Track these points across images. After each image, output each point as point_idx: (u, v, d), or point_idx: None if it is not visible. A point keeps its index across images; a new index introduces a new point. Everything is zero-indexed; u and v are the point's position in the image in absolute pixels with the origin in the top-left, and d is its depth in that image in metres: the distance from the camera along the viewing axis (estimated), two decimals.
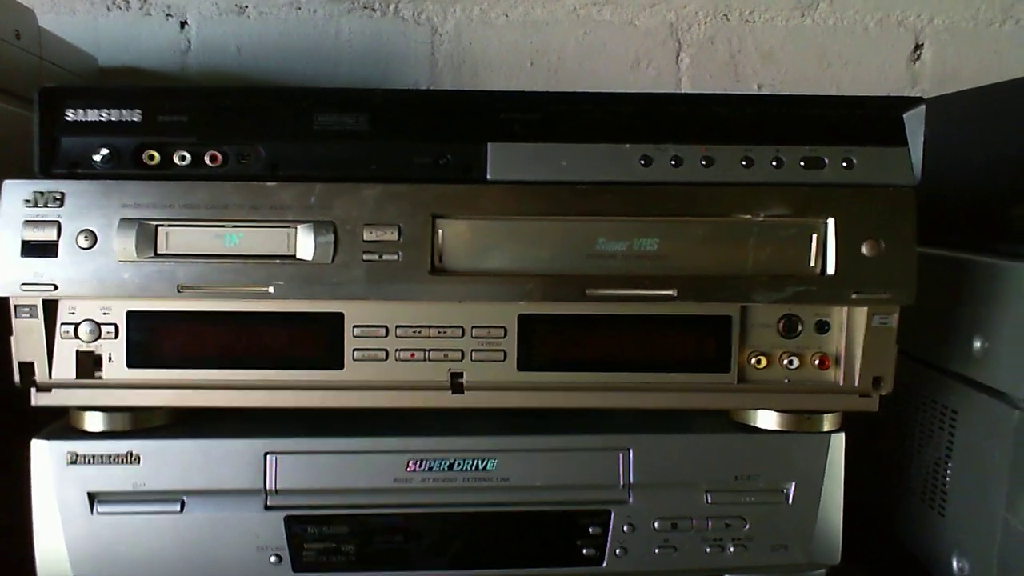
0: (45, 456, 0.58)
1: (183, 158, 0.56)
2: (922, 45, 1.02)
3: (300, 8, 0.99)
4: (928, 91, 1.02)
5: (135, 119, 0.55)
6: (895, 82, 1.02)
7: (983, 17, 1.01)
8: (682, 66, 1.01)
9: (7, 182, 0.55)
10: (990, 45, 1.02)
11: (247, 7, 0.99)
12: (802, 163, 0.56)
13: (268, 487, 0.58)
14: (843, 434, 0.60)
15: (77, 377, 0.57)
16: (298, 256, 0.55)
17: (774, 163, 0.56)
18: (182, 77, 0.99)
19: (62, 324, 0.57)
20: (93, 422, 0.59)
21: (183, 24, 0.99)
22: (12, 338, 0.56)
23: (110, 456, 0.58)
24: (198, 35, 0.99)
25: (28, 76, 0.77)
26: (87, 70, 0.92)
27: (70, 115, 0.55)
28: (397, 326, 0.57)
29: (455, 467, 0.59)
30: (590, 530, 0.60)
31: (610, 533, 0.60)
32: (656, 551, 0.60)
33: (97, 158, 0.55)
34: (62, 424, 0.61)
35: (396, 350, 0.57)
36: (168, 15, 0.99)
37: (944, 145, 0.69)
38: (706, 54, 1.01)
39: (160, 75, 0.99)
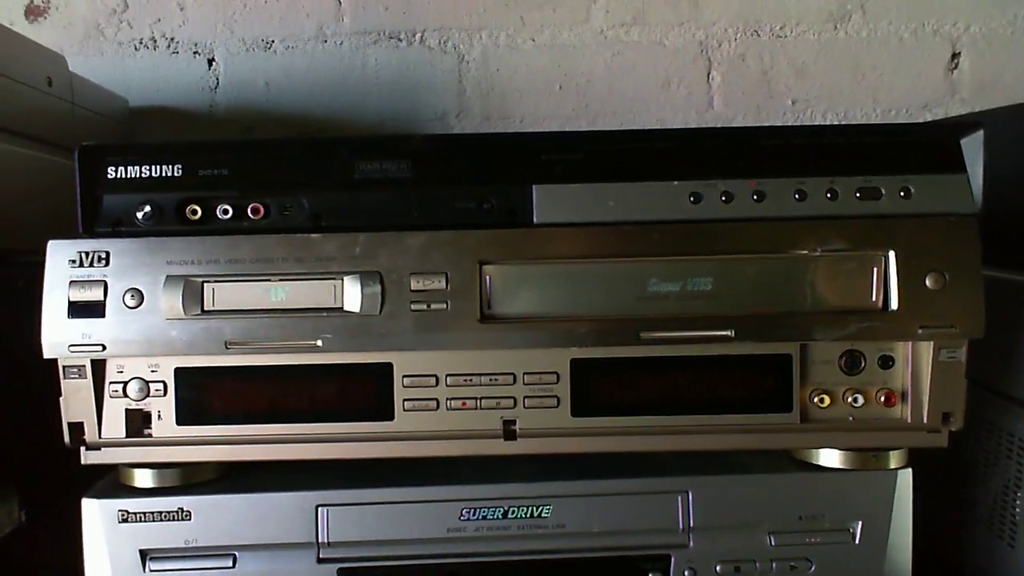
0: (96, 514, 0.57)
1: (225, 212, 0.55)
2: (959, 54, 1.00)
3: (327, 41, 0.99)
4: (967, 100, 0.99)
5: (176, 174, 0.55)
6: (932, 92, 1.00)
7: (1020, 23, 0.99)
8: (713, 84, 1.00)
9: (52, 243, 0.55)
10: None
11: (274, 42, 0.99)
12: (858, 194, 0.55)
13: (320, 540, 0.58)
14: (910, 471, 0.58)
15: (127, 436, 0.57)
16: (345, 308, 0.54)
17: (828, 195, 0.55)
18: (211, 115, 0.99)
19: (111, 383, 0.56)
20: (143, 479, 0.59)
21: (211, 62, 0.99)
22: (61, 399, 0.56)
23: (161, 513, 0.58)
24: (226, 72, 0.99)
25: (61, 123, 0.77)
26: (118, 112, 0.93)
27: (111, 173, 0.55)
28: (448, 375, 0.56)
29: (509, 515, 0.58)
30: (650, 575, 0.58)
31: None
32: None
33: (140, 215, 0.55)
34: (111, 480, 0.60)
35: (447, 399, 0.56)
36: (196, 53, 0.99)
37: (1006, 159, 0.67)
38: (737, 71, 0.99)
39: (190, 114, 0.99)
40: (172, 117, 0.99)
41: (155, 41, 0.99)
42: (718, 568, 0.58)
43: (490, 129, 0.99)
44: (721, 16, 0.99)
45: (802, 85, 0.99)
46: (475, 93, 0.99)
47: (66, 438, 0.56)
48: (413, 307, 0.54)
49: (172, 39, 0.99)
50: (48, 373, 0.56)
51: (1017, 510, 0.63)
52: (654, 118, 0.99)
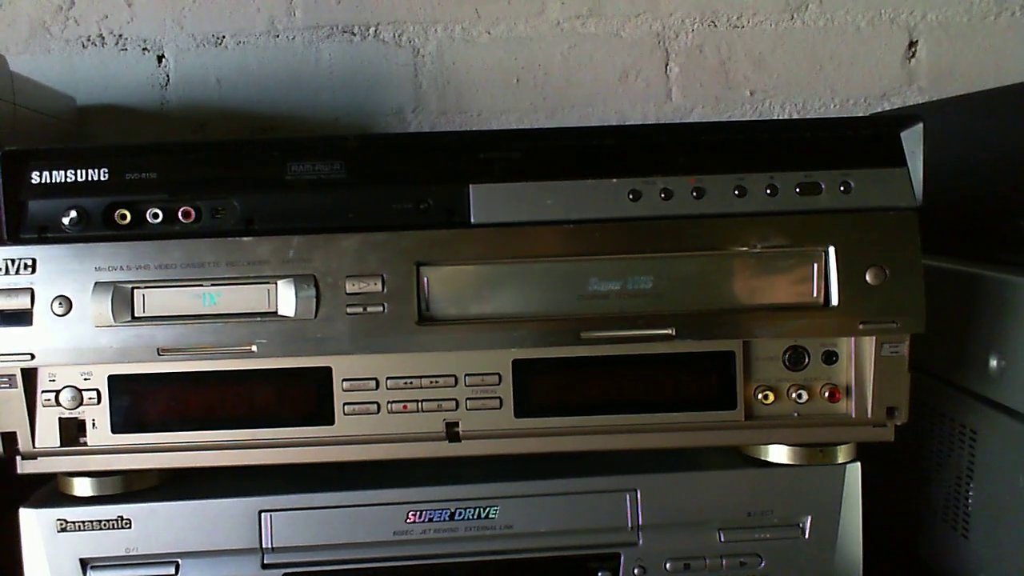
0: (34, 524, 0.56)
1: (155, 216, 0.54)
2: (916, 42, 0.99)
3: (278, 36, 0.97)
4: (925, 89, 0.99)
5: (103, 178, 0.54)
6: (890, 81, 0.99)
7: (977, 10, 0.99)
8: (671, 75, 0.99)
9: None
10: (986, 39, 0.99)
11: (224, 37, 0.97)
12: (797, 189, 0.54)
13: (264, 545, 0.57)
14: (859, 464, 0.58)
15: (61, 444, 0.55)
16: (280, 312, 0.53)
17: (768, 191, 0.54)
18: (162, 112, 0.97)
19: (43, 392, 0.55)
20: (82, 487, 0.58)
21: (160, 58, 0.97)
22: None
23: (101, 521, 0.57)
24: (176, 69, 0.97)
25: (2, 124, 0.75)
26: (65, 111, 0.91)
27: (35, 177, 0.53)
28: (388, 378, 0.55)
29: (456, 516, 0.58)
30: (599, 574, 0.58)
31: None
32: None
33: (67, 220, 0.53)
34: (50, 489, 0.59)
35: (388, 402, 0.55)
36: (144, 49, 0.97)
37: (946, 151, 0.67)
38: (695, 62, 0.99)
39: (140, 111, 0.97)
40: (122, 115, 0.97)
41: (103, 38, 0.97)
42: (668, 566, 0.58)
43: (448, 123, 0.98)
44: (678, 7, 0.98)
45: (760, 76, 0.99)
46: (431, 87, 0.98)
47: None
48: (349, 310, 0.53)
49: (120, 36, 0.97)
50: None
51: (970, 501, 0.63)
52: (612, 110, 0.98)
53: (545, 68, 0.98)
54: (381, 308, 0.53)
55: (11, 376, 0.54)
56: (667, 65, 0.99)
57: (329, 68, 0.97)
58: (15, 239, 0.54)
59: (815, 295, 0.54)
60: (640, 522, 0.58)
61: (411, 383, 0.55)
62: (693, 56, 0.98)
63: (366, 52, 0.98)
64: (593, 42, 0.98)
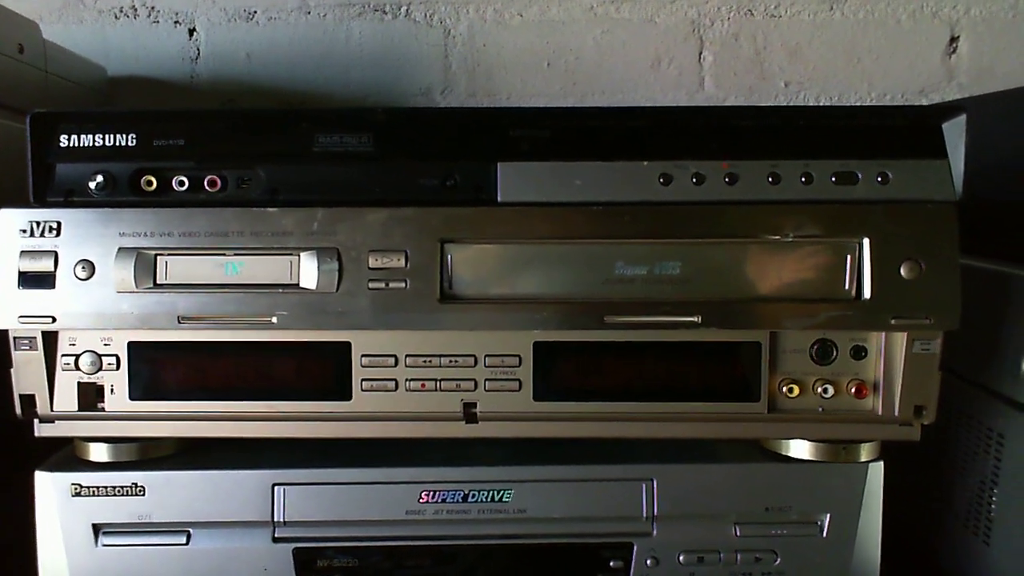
0: (49, 488, 0.57)
1: (181, 183, 0.54)
2: (958, 38, 0.97)
3: (309, 12, 0.96)
4: (965, 85, 0.97)
5: (131, 143, 0.53)
6: (929, 77, 0.97)
7: (1022, 6, 0.96)
8: (705, 64, 0.97)
9: (2, 211, 0.53)
10: None
11: (256, 12, 0.97)
12: (833, 179, 0.53)
13: (276, 519, 0.57)
14: (882, 463, 0.57)
15: (79, 409, 0.55)
16: (301, 285, 0.53)
17: (803, 179, 0.53)
18: (192, 86, 0.97)
19: (63, 356, 0.55)
20: (97, 453, 0.58)
21: (192, 32, 0.97)
22: (12, 370, 0.55)
23: (114, 488, 0.57)
24: (207, 43, 0.97)
25: (34, 91, 0.76)
26: (95, 81, 0.91)
27: (64, 141, 0.53)
28: (407, 355, 0.55)
29: (470, 498, 0.57)
30: (611, 564, 0.57)
31: (632, 567, 0.57)
32: None
33: (93, 185, 0.53)
34: (66, 454, 0.59)
35: (406, 380, 0.55)
36: (176, 23, 0.97)
37: (986, 148, 0.65)
38: (730, 51, 0.97)
39: (170, 84, 0.97)
40: (152, 88, 0.97)
41: (135, 10, 0.97)
42: (681, 558, 0.57)
43: (476, 105, 0.97)
44: None
45: (796, 67, 0.97)
46: (461, 69, 0.97)
47: (17, 410, 0.55)
48: (371, 285, 0.52)
49: (152, 8, 0.97)
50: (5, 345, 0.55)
51: (994, 507, 0.61)
52: (643, 98, 0.97)
53: (577, 53, 0.97)
54: (403, 284, 0.52)
55: (32, 338, 0.54)
56: (701, 53, 0.97)
57: (359, 46, 0.97)
58: (41, 201, 0.54)
59: (847, 287, 0.53)
60: (655, 512, 0.57)
61: (430, 361, 0.55)
62: (728, 45, 0.97)
63: (397, 31, 0.97)
64: (626, 28, 0.97)
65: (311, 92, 0.97)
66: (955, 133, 0.53)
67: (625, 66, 0.97)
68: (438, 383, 0.55)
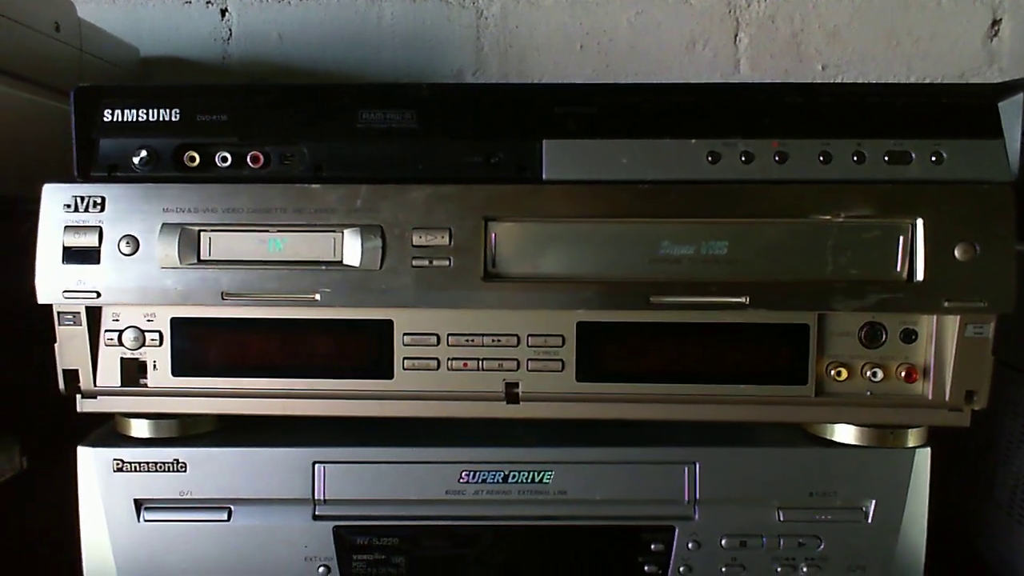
0: (91, 463, 0.57)
1: (224, 159, 0.53)
2: (1000, 20, 0.95)
3: None
4: (1006, 70, 0.95)
5: (174, 119, 0.53)
6: (970, 61, 0.95)
7: None
8: (741, 46, 0.96)
9: (47, 186, 0.53)
10: None
11: None
12: (886, 158, 0.52)
13: (317, 497, 0.57)
14: (929, 450, 0.56)
15: (122, 385, 0.56)
16: (345, 262, 0.53)
17: (855, 158, 0.52)
18: (224, 67, 0.97)
19: (106, 331, 0.55)
20: (139, 429, 0.58)
21: (224, 12, 0.97)
22: (56, 345, 0.55)
23: (156, 463, 0.57)
24: (239, 23, 0.97)
25: (69, 70, 0.76)
26: (128, 61, 0.91)
27: (107, 116, 0.53)
28: (449, 334, 0.54)
29: (510, 479, 0.57)
30: (652, 547, 0.57)
31: (674, 550, 0.57)
32: (723, 570, 0.57)
33: (137, 160, 0.53)
34: (108, 430, 0.60)
35: (448, 359, 0.55)
36: (209, 3, 0.97)
37: None
38: (766, 33, 0.95)
39: (202, 65, 0.97)
40: (184, 68, 0.97)
41: None
42: (723, 542, 0.57)
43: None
44: None
45: (833, 49, 0.95)
46: (493, 50, 0.96)
47: (60, 385, 0.55)
48: (415, 263, 0.52)
49: None
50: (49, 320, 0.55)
51: None
52: (678, 80, 0.95)
53: (610, 34, 0.96)
54: (447, 262, 0.52)
55: (76, 314, 0.54)
56: (736, 35, 0.96)
57: (391, 27, 0.96)
58: (85, 177, 0.54)
59: (899, 269, 0.52)
60: (697, 496, 0.56)
61: (472, 340, 0.54)
62: (764, 27, 0.95)
63: (428, 12, 0.96)
64: (661, 8, 0.95)
65: (343, 73, 0.97)
66: (1012, 112, 0.52)
67: (659, 48, 0.96)
68: (480, 362, 0.55)
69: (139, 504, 0.57)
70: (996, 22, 0.95)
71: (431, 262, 0.52)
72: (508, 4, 0.96)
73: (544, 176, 0.53)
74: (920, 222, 0.51)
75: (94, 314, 0.55)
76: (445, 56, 0.97)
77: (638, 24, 0.96)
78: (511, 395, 0.55)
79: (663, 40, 0.96)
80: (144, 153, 0.53)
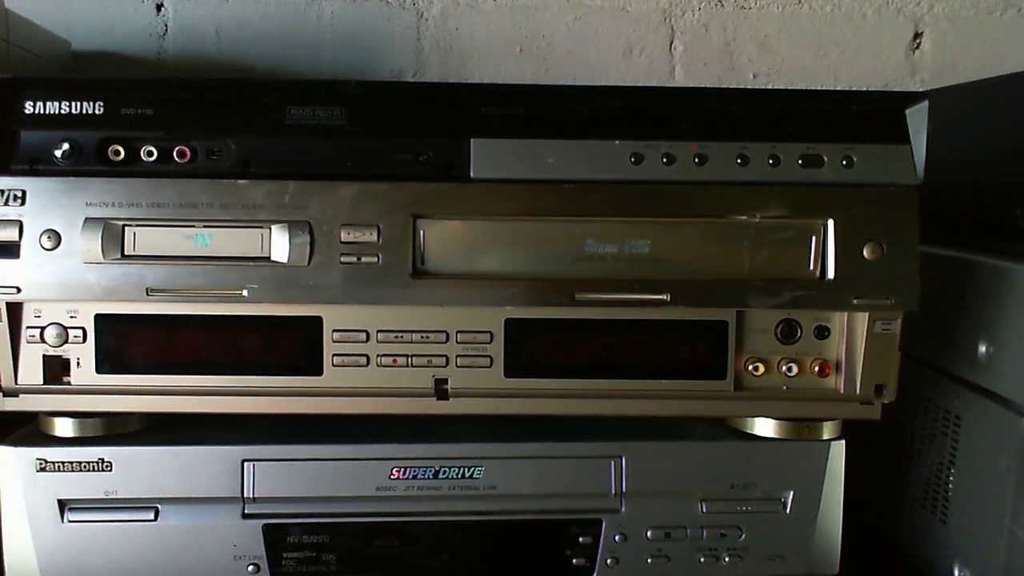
0: (13, 463, 0.56)
1: (150, 153, 0.53)
2: (922, 34, 0.99)
3: None
4: (928, 81, 0.99)
5: (98, 111, 0.53)
6: (894, 71, 0.99)
7: (984, 5, 0.99)
8: (675, 54, 0.98)
9: None
10: (990, 34, 0.99)
11: None
12: (800, 161, 0.54)
13: (246, 495, 0.57)
14: (843, 442, 0.58)
15: (44, 383, 0.55)
16: (272, 258, 0.53)
17: (771, 161, 0.54)
18: (159, 62, 0.96)
19: (27, 328, 0.54)
20: (63, 428, 0.57)
21: (159, 7, 0.95)
22: None
23: (80, 463, 0.56)
24: (175, 18, 0.96)
25: None
26: (59, 55, 0.89)
27: (28, 107, 0.52)
28: (378, 331, 0.55)
29: (440, 475, 0.57)
30: (580, 540, 0.58)
31: (601, 543, 0.58)
32: (648, 561, 0.58)
33: (59, 153, 0.52)
34: (31, 429, 0.59)
35: (378, 355, 0.55)
36: None
37: (946, 139, 0.67)
38: (700, 42, 0.98)
39: (137, 60, 0.96)
40: (117, 63, 0.95)
41: None
42: (649, 534, 0.58)
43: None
44: None
45: (764, 59, 0.98)
46: (433, 52, 0.97)
47: None
48: (343, 259, 0.52)
49: None
50: None
51: (951, 487, 0.63)
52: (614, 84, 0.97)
53: (549, 39, 0.97)
54: (375, 259, 0.52)
55: None
56: (672, 43, 0.98)
57: (331, 26, 0.96)
58: (5, 170, 0.53)
59: (812, 268, 0.54)
60: (624, 489, 0.58)
61: (402, 337, 0.55)
62: (698, 35, 0.98)
63: (368, 12, 0.96)
64: (599, 15, 0.97)
65: (281, 71, 0.96)
66: (917, 119, 0.54)
67: (597, 53, 0.98)
68: (409, 359, 0.55)
69: (63, 505, 0.56)
70: (918, 35, 0.99)
71: (359, 259, 0.52)
72: (448, 6, 0.97)
73: (472, 174, 0.54)
74: (831, 223, 0.53)
75: (15, 310, 0.54)
76: (385, 57, 0.97)
77: (576, 30, 0.97)
78: (440, 391, 0.55)
79: (601, 46, 0.98)
80: (67, 146, 0.52)
